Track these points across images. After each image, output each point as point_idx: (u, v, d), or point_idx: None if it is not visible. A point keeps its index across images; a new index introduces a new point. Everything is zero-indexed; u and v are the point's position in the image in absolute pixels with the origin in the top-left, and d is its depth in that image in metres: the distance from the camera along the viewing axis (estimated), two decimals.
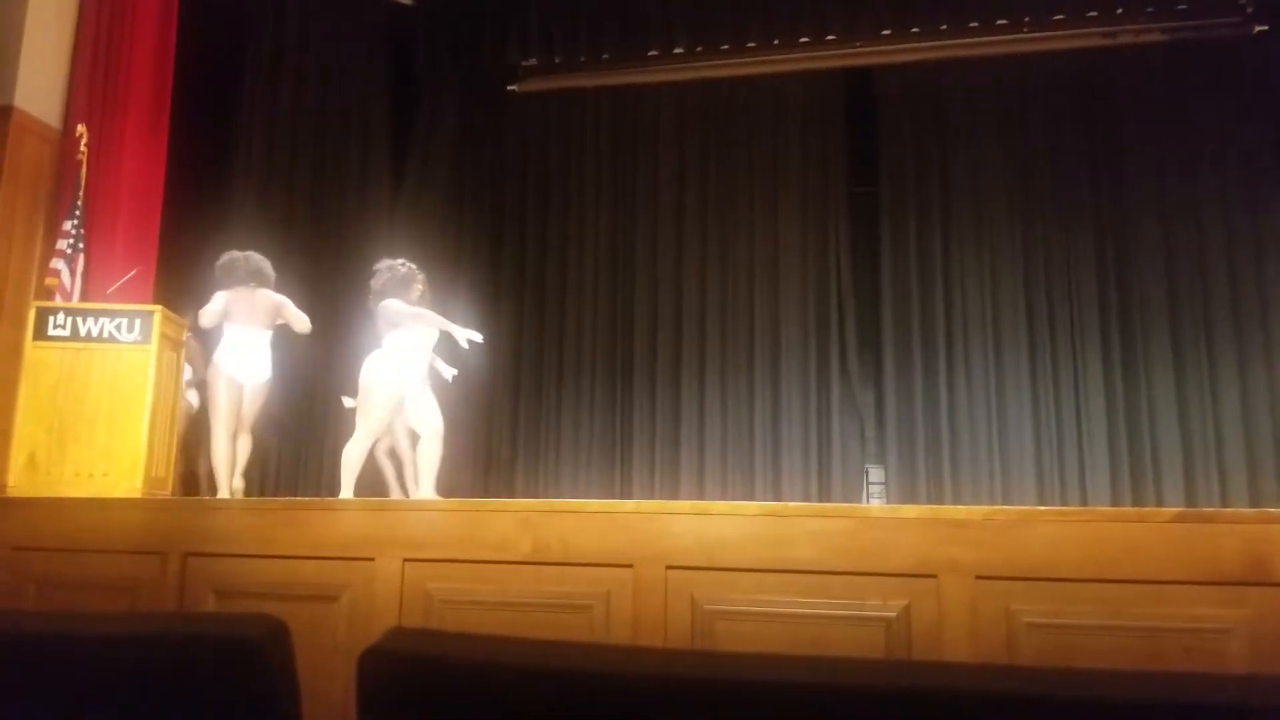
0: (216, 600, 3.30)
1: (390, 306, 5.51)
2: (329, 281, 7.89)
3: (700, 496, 8.08)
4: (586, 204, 9.13)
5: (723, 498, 7.97)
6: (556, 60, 9.02)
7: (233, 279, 5.63)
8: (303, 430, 7.91)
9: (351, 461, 5.36)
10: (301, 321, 5.69)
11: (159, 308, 4.79)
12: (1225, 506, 7.21)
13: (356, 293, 6.59)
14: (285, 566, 3.27)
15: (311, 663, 1.76)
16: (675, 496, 8.10)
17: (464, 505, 3.47)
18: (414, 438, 5.64)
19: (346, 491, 5.30)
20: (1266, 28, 7.95)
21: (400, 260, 5.80)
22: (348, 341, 6.93)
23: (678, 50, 8.78)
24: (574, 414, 8.74)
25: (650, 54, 8.89)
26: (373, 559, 3.24)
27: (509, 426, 8.83)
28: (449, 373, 5.96)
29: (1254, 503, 7.26)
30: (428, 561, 3.22)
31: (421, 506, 3.52)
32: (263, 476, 7.53)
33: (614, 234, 9.05)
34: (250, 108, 8.17)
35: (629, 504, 3.30)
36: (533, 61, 9.11)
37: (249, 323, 5.60)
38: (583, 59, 8.96)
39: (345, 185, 8.52)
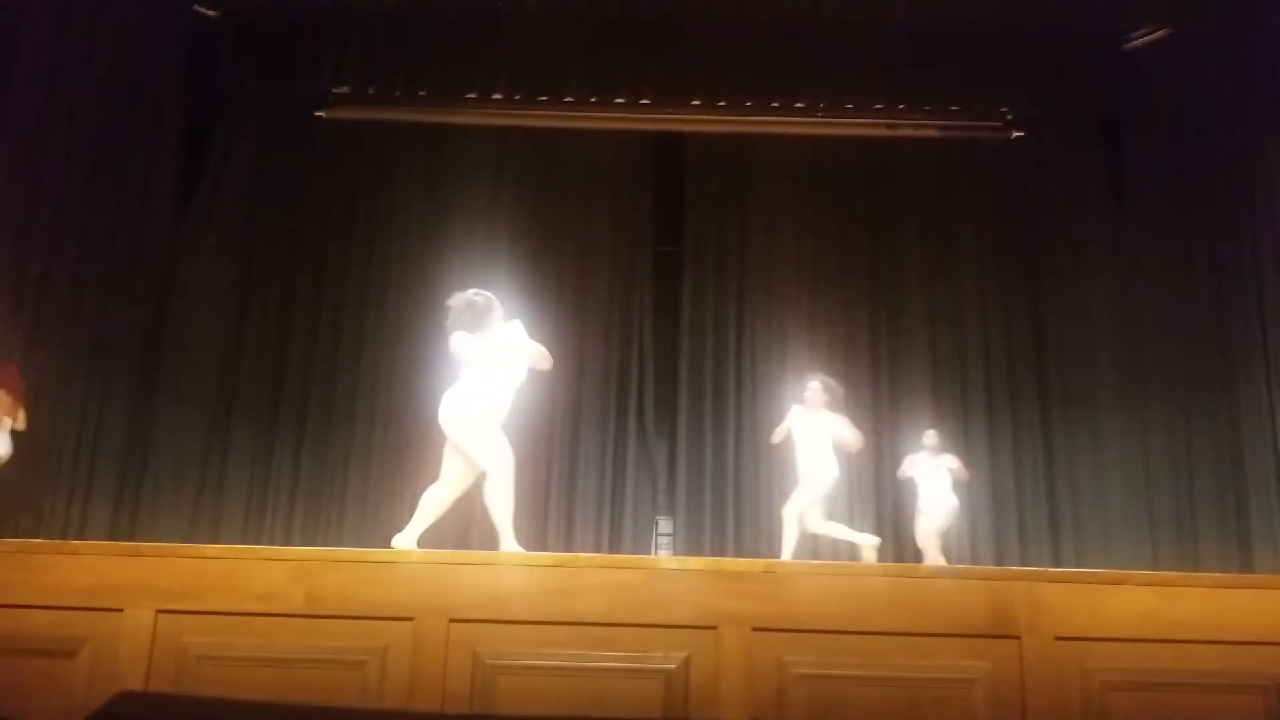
0: None
1: (461, 339, 4.94)
2: (87, 302, 7.26)
3: (491, 546, 7.92)
4: (392, 241, 8.90)
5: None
6: (370, 90, 8.81)
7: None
8: None
9: (501, 508, 4.88)
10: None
11: None
12: (973, 562, 7.85)
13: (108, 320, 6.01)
14: (14, 616, 2.92)
15: None
16: (464, 546, 7.92)
17: (231, 552, 3.24)
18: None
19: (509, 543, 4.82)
20: (1023, 135, 8.94)
21: (475, 290, 5.19)
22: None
23: (497, 95, 8.79)
24: (363, 457, 8.39)
25: (469, 95, 8.84)
26: (121, 609, 2.94)
27: (291, 469, 8.35)
28: None
29: (998, 559, 7.96)
30: (185, 613, 2.96)
31: (181, 552, 3.24)
32: None
33: (419, 275, 8.83)
34: (21, 110, 7.42)
35: (414, 553, 3.22)
36: (345, 89, 8.85)
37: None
38: (398, 93, 8.80)
39: (125, 201, 7.86)
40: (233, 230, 8.67)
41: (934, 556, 7.27)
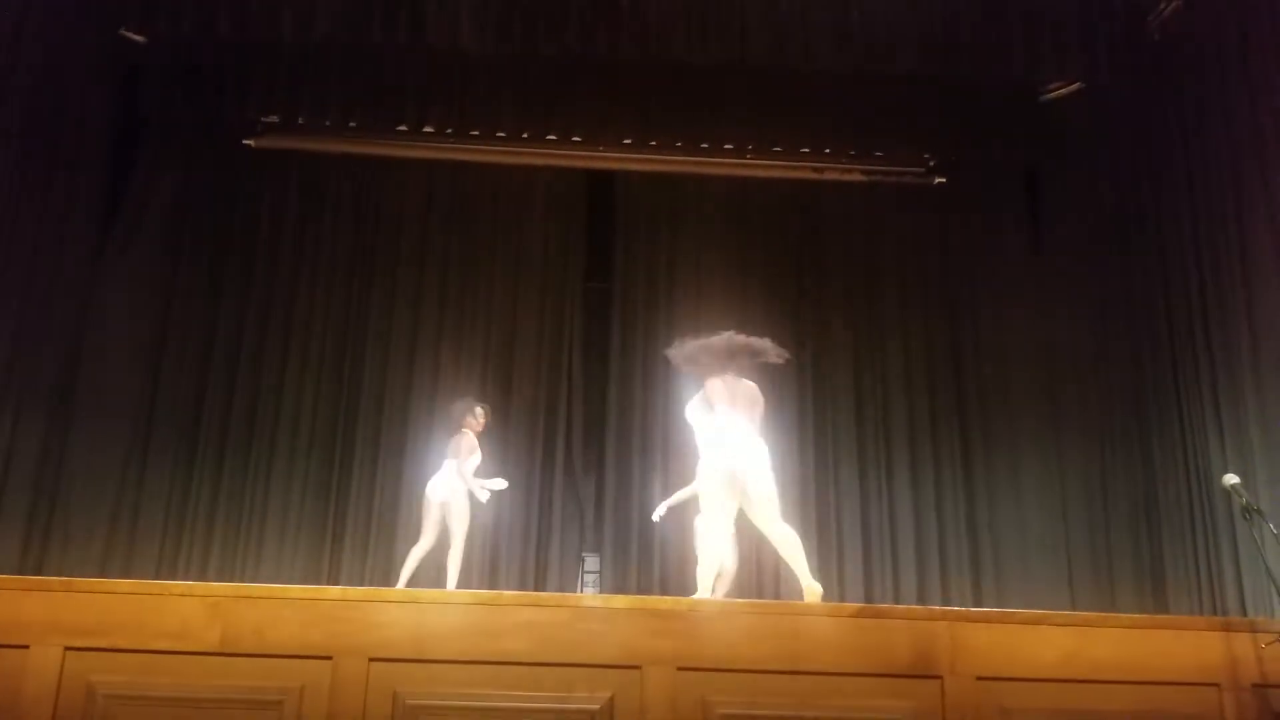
0: None
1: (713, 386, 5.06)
2: None
3: (414, 583, 7.79)
4: (319, 273, 8.76)
5: (438, 584, 7.73)
6: (300, 120, 8.73)
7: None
8: None
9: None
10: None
11: None
12: (896, 600, 7.97)
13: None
14: None
15: None
16: (388, 583, 7.76)
17: (143, 588, 3.14)
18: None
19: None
20: (945, 181, 9.25)
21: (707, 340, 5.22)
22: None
23: (428, 129, 8.78)
24: (284, 491, 8.18)
25: (400, 128, 8.82)
26: (26, 646, 2.83)
27: (209, 502, 8.10)
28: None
29: (921, 598, 8.09)
30: (94, 650, 2.86)
31: (91, 587, 3.13)
32: None
33: (346, 307, 8.72)
34: None
35: (333, 590, 3.15)
36: (274, 118, 8.76)
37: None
38: (329, 123, 8.74)
39: (43, 226, 7.57)
40: (154, 259, 8.46)
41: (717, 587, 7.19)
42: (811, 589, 4.53)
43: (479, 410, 7.19)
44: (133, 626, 2.91)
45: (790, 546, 4.71)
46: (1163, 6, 7.62)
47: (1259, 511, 3.44)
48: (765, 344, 5.23)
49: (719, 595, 4.95)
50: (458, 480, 7.00)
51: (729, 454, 4.78)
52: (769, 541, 4.80)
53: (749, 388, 5.13)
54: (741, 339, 5.17)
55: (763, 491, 4.70)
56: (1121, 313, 8.33)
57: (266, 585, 4.06)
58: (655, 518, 6.38)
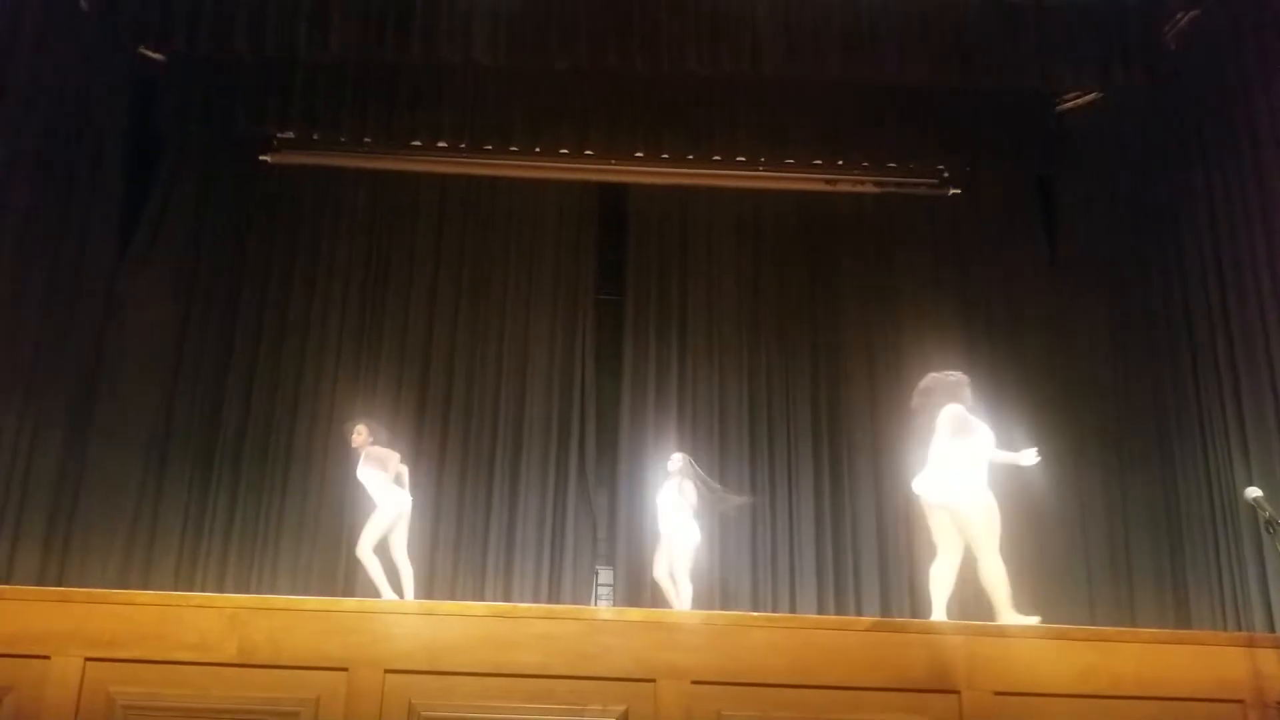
0: None
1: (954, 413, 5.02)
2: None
3: (429, 595, 7.79)
4: (334, 286, 8.83)
5: (451, 597, 7.74)
6: (315, 136, 8.81)
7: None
8: None
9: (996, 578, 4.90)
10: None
11: None
12: (914, 614, 7.90)
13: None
14: None
15: None
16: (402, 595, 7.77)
17: (162, 599, 3.15)
18: None
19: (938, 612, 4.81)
20: (959, 192, 9.23)
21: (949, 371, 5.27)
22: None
23: (442, 143, 8.84)
24: (299, 503, 8.22)
25: (414, 143, 8.88)
26: (48, 657, 2.85)
27: (226, 513, 8.15)
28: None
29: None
30: (114, 661, 2.88)
31: (111, 599, 3.15)
32: None
33: (361, 321, 8.78)
34: None
35: (349, 602, 3.16)
36: (289, 134, 8.84)
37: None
38: (343, 139, 8.81)
39: (63, 242, 7.65)
40: (172, 273, 8.54)
41: (674, 590, 7.10)
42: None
43: (359, 428, 6.92)
44: (152, 638, 2.92)
45: (997, 579, 4.82)
46: (1179, 16, 7.58)
47: None
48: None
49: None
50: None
51: (950, 483, 4.92)
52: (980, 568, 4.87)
53: (979, 423, 5.22)
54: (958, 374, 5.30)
55: (982, 521, 4.88)
56: (1140, 324, 8.26)
57: (283, 597, 4.08)
58: None
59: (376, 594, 6.48)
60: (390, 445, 6.92)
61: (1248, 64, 6.91)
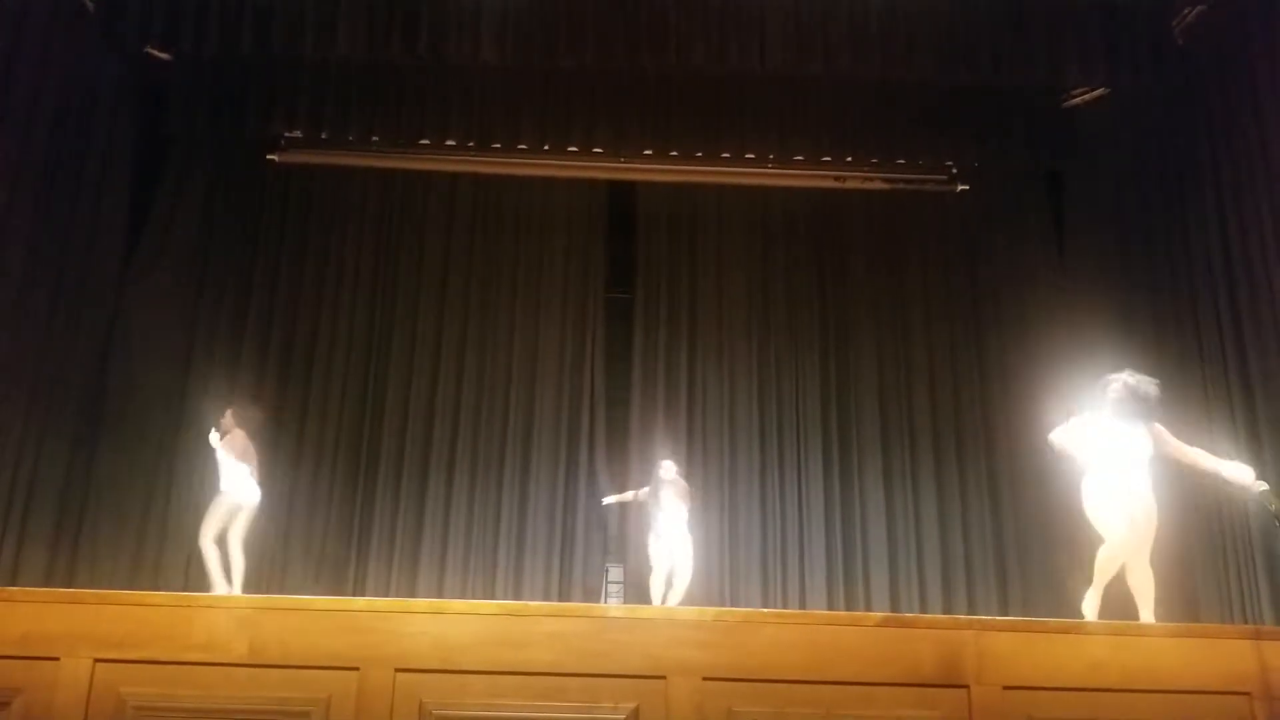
0: None
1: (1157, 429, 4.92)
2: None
3: (439, 594, 7.82)
4: (344, 286, 8.86)
5: (463, 595, 7.76)
6: (323, 135, 8.82)
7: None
8: None
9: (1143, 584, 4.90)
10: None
11: None
12: (923, 609, 7.90)
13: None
14: None
15: None
16: (412, 594, 7.79)
17: (173, 600, 3.16)
18: None
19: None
20: (967, 188, 9.20)
21: (1135, 375, 5.06)
22: None
23: (450, 142, 8.85)
24: (309, 503, 8.25)
25: (423, 142, 8.89)
26: (57, 658, 2.86)
27: None
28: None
29: (947, 607, 8.02)
30: (124, 663, 2.89)
31: (122, 600, 3.15)
32: None
33: (370, 320, 8.81)
34: None
35: (360, 602, 3.16)
36: (297, 133, 8.86)
37: None
38: (351, 138, 8.82)
39: (71, 242, 7.68)
40: (181, 272, 8.58)
41: (668, 597, 7.14)
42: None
43: (229, 413, 6.80)
44: (162, 638, 2.93)
45: (1146, 586, 4.86)
46: (1186, 11, 7.54)
47: None
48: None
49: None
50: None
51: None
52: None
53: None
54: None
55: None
56: (1148, 320, 8.21)
57: (293, 597, 4.09)
58: None
59: (210, 585, 6.41)
60: (253, 438, 6.75)
61: (1255, 59, 6.87)
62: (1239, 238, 7.01)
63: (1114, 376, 5.05)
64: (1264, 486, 3.51)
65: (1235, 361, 6.99)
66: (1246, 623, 6.49)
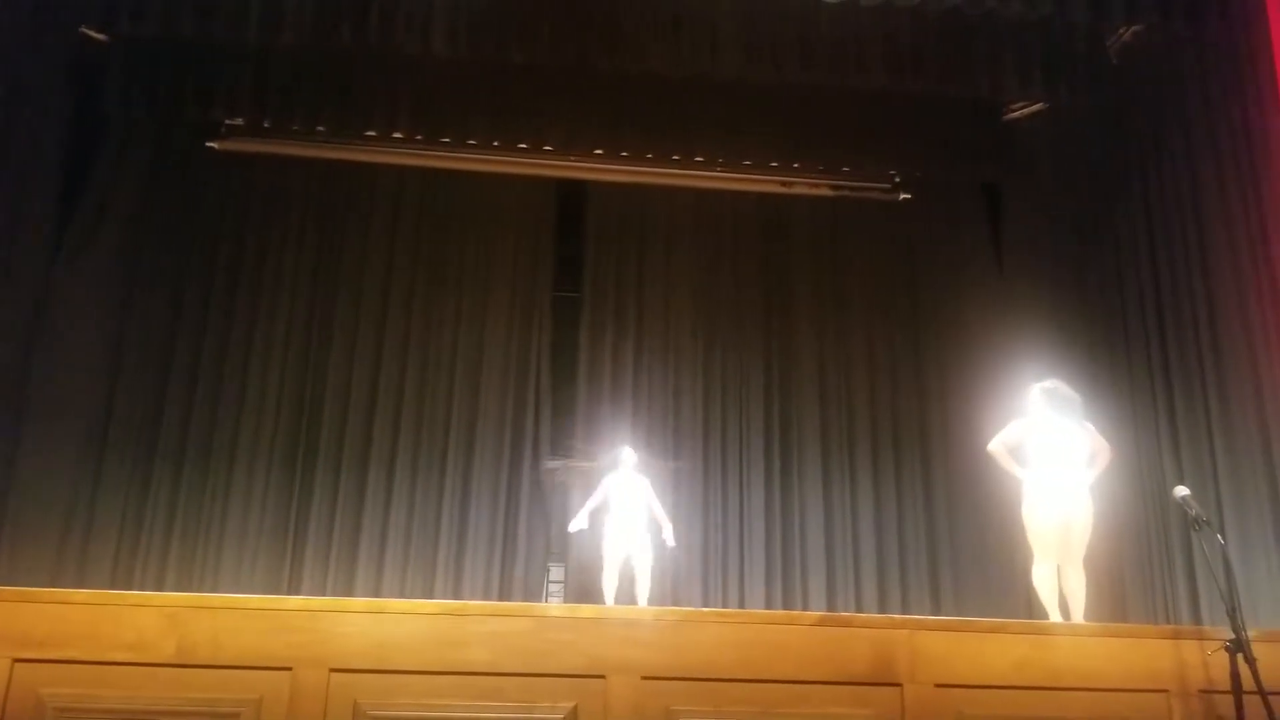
0: None
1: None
2: None
3: (377, 593, 7.72)
4: (283, 277, 8.68)
5: (401, 595, 7.68)
6: (266, 124, 8.63)
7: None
8: None
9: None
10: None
11: None
12: (858, 608, 8.02)
13: None
14: None
15: None
16: (349, 593, 7.68)
17: (97, 598, 3.07)
18: None
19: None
20: (910, 196, 9.37)
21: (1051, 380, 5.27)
22: None
23: (398, 135, 8.74)
24: (244, 499, 8.07)
25: (369, 134, 8.76)
26: None
27: (167, 510, 7.97)
28: None
29: (881, 607, 8.15)
30: (45, 662, 2.80)
31: (42, 597, 3.05)
32: None
33: (310, 313, 8.65)
34: None
35: (294, 600, 3.11)
36: (239, 121, 8.66)
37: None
38: (295, 127, 8.65)
39: None
40: (112, 263, 8.32)
41: (636, 597, 6.99)
42: None
43: None
44: (86, 638, 2.85)
45: (1079, 588, 5.05)
46: (1122, 31, 7.78)
47: (1208, 523, 3.51)
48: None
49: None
50: None
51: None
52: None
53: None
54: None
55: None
56: (1080, 327, 8.45)
57: (225, 595, 4.00)
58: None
59: None
60: None
61: (1185, 79, 7.12)
62: (1166, 250, 7.28)
63: (1036, 385, 5.36)
64: (1185, 492, 3.63)
65: (1159, 366, 7.27)
66: (1168, 623, 6.71)
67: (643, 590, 7.04)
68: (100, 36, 8.05)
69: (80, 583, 7.28)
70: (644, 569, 7.05)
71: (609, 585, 7.06)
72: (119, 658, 2.82)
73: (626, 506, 7.11)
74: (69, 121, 8.12)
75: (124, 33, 7.72)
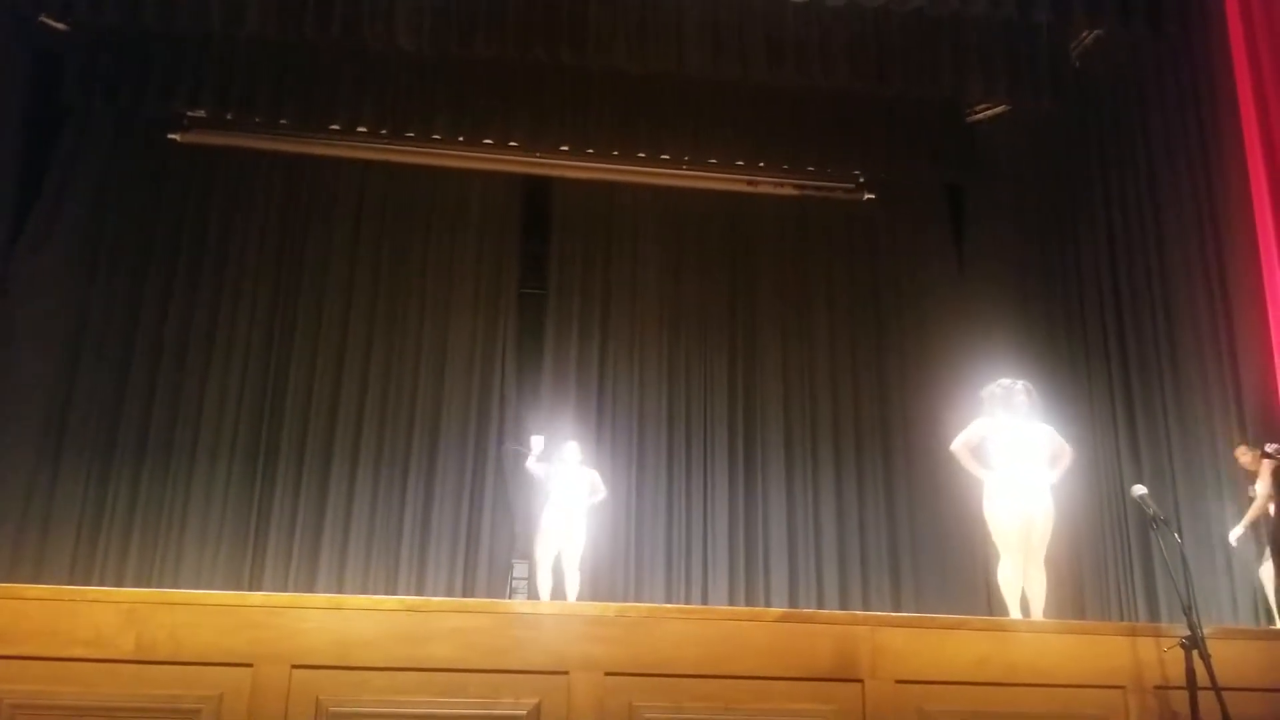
0: None
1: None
2: None
3: (339, 589, 7.67)
4: (246, 271, 8.59)
5: (364, 591, 7.63)
6: (228, 115, 8.52)
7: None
8: None
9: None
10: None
11: None
12: (820, 605, 8.09)
13: None
14: None
15: None
16: (312, 589, 7.62)
17: (54, 593, 3.03)
18: None
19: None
20: (874, 197, 9.46)
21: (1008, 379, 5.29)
22: None
23: (362, 129, 8.66)
24: (205, 493, 7.98)
25: (333, 127, 8.68)
26: None
27: (127, 505, 7.86)
28: None
29: (843, 603, 8.23)
30: (0, 658, 2.76)
31: (6, 594, 3.01)
32: None
33: (273, 307, 8.56)
34: None
35: (255, 596, 3.08)
36: (201, 113, 8.54)
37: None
38: (258, 119, 8.55)
39: None
40: (71, 256, 8.19)
41: (554, 582, 6.95)
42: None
43: None
44: (43, 633, 2.81)
45: (1039, 585, 5.13)
46: (1084, 35, 7.91)
47: (1164, 522, 3.58)
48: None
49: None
50: None
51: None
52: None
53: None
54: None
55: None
56: (1041, 326, 8.58)
57: (185, 591, 3.97)
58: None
59: None
60: None
61: (1144, 84, 7.26)
62: (1124, 250, 7.43)
63: (994, 383, 5.46)
64: (1142, 490, 3.70)
65: (1118, 365, 7.40)
66: (1125, 620, 6.83)
67: (572, 585, 6.93)
68: (59, 25, 7.90)
69: (37, 577, 7.15)
70: (572, 563, 6.95)
71: (544, 584, 6.96)
72: (77, 654, 2.79)
73: (565, 503, 6.98)
74: (28, 110, 7.97)
75: (84, 21, 7.58)
